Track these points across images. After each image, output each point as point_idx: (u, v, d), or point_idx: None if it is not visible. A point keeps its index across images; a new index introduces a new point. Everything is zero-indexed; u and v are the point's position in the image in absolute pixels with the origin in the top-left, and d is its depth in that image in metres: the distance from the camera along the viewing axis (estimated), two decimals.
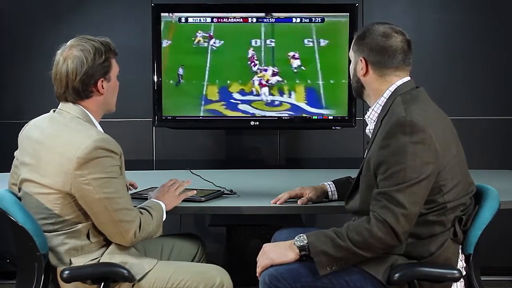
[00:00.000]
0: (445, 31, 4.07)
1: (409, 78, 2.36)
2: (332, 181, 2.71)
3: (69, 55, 2.33)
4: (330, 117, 3.72)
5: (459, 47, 4.07)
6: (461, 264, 2.29)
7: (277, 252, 2.29)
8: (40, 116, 2.45)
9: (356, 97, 2.47)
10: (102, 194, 2.24)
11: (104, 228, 2.30)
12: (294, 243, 2.27)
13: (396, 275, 2.18)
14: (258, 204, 2.71)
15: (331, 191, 2.68)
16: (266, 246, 2.34)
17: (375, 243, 2.17)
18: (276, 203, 2.65)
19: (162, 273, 2.36)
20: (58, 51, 2.37)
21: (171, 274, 2.36)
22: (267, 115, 3.71)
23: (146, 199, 2.60)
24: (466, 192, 2.28)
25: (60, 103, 2.39)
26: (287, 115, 3.71)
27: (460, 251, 2.28)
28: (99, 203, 2.25)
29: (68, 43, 2.38)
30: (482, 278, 2.35)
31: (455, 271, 2.20)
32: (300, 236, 2.27)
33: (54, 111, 2.41)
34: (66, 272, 2.22)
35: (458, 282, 2.28)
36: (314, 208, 2.68)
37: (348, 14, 3.65)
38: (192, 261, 2.73)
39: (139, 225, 2.30)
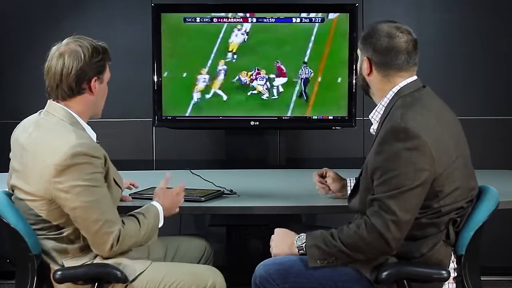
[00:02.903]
0: (446, 31, 4.07)
1: (415, 78, 2.34)
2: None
3: (66, 50, 2.29)
4: (330, 117, 3.72)
5: (460, 47, 4.07)
6: (453, 265, 2.27)
7: (281, 247, 2.36)
8: (29, 117, 2.41)
9: (364, 93, 2.47)
10: (79, 202, 2.19)
11: (85, 236, 2.26)
12: (295, 241, 2.32)
13: (384, 273, 2.18)
14: (258, 204, 2.71)
15: (351, 186, 2.66)
16: (278, 231, 2.41)
17: (364, 247, 2.19)
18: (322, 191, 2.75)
19: (155, 274, 2.33)
20: (53, 47, 2.33)
21: (163, 275, 2.34)
22: (267, 115, 3.72)
23: (150, 199, 2.55)
24: (465, 197, 2.26)
25: (48, 102, 2.34)
26: (287, 115, 3.72)
27: (452, 252, 2.27)
28: (76, 211, 2.20)
29: (65, 41, 2.34)
30: (482, 278, 2.35)
31: (443, 271, 2.20)
32: (300, 235, 2.32)
33: (40, 112, 2.36)
34: (59, 273, 2.20)
35: (450, 284, 2.27)
36: (314, 208, 2.68)
37: (348, 14, 3.65)
38: (198, 263, 2.70)
39: (117, 238, 2.23)
